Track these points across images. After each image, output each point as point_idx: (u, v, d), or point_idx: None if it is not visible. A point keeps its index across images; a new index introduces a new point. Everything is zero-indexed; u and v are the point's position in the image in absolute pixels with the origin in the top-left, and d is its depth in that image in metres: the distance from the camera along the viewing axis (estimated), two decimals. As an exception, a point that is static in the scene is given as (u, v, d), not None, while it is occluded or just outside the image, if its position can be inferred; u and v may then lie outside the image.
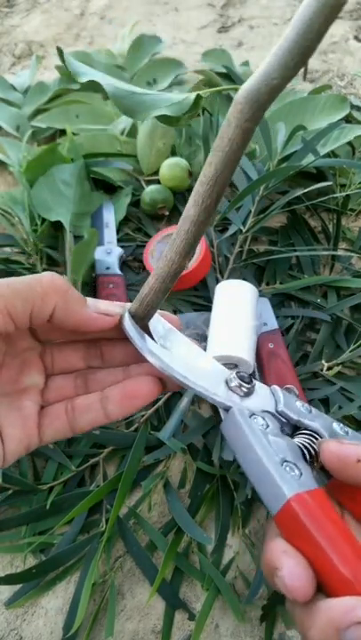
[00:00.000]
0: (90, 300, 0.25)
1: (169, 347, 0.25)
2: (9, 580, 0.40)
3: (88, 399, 0.25)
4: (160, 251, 0.60)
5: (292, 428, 0.25)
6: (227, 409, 0.24)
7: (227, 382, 0.25)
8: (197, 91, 0.78)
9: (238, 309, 0.48)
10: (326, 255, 0.61)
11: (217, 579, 0.40)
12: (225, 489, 0.44)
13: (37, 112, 0.78)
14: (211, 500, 0.44)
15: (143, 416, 0.47)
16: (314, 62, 0.93)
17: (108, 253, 0.59)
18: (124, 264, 0.60)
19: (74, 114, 0.74)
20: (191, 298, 0.56)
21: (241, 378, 0.25)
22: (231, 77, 0.76)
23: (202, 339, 0.51)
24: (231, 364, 0.46)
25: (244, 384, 0.25)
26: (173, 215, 0.65)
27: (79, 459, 0.45)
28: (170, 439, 0.45)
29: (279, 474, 0.20)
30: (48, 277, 0.23)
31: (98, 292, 0.56)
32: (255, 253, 0.61)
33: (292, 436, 0.24)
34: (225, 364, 0.46)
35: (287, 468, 0.20)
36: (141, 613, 0.40)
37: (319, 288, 0.58)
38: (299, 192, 0.59)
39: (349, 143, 0.70)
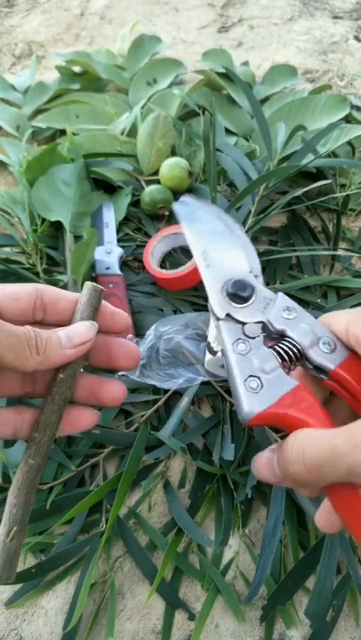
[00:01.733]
0: (61, 333, 0.25)
1: None
2: (9, 579, 0.40)
3: (36, 415, 0.26)
4: (160, 251, 0.60)
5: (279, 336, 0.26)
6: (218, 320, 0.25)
7: (226, 290, 0.26)
8: (197, 90, 0.78)
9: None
10: (326, 255, 0.61)
11: (217, 579, 0.40)
12: (225, 489, 0.44)
13: (37, 112, 0.79)
14: (211, 499, 0.44)
15: (143, 416, 0.47)
16: (314, 62, 0.93)
17: (108, 253, 0.59)
18: (124, 264, 0.60)
19: (74, 114, 0.74)
20: (191, 298, 0.56)
21: (241, 287, 0.26)
22: (231, 77, 0.76)
23: (202, 339, 0.51)
24: None
25: (242, 293, 0.26)
26: (173, 215, 0.65)
27: (79, 458, 0.45)
28: (170, 438, 0.45)
29: (243, 391, 0.23)
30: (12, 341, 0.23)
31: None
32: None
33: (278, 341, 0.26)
34: (224, 364, 0.46)
35: (251, 384, 0.24)
36: (141, 613, 0.40)
37: (319, 288, 0.58)
38: (299, 192, 0.59)
39: (349, 143, 0.71)
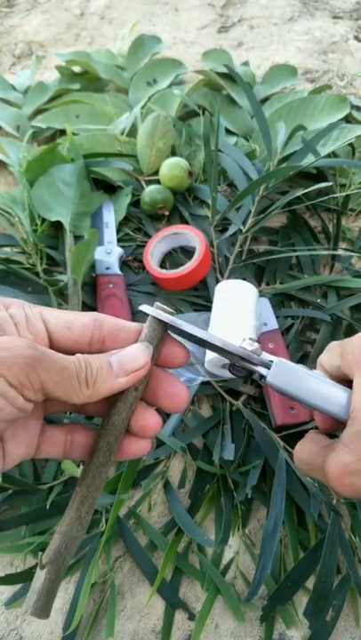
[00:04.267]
0: (113, 359, 0.23)
1: None
2: (9, 580, 0.40)
3: (87, 437, 0.25)
4: (160, 251, 0.60)
5: None
6: (268, 364, 0.26)
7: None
8: (197, 90, 0.78)
9: (238, 309, 0.48)
10: (326, 255, 0.61)
11: (217, 579, 0.40)
12: (225, 489, 0.44)
13: (37, 112, 0.78)
14: (211, 499, 0.44)
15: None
16: (314, 62, 0.93)
17: (108, 253, 0.59)
18: (124, 264, 0.60)
19: (74, 114, 0.74)
20: (191, 298, 0.56)
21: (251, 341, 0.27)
22: (231, 77, 0.76)
23: None
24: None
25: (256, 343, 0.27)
26: (173, 215, 0.65)
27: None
28: (170, 438, 0.45)
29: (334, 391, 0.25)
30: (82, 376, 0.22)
31: (98, 291, 0.56)
32: (255, 253, 0.61)
33: None
34: (225, 365, 0.46)
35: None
36: (141, 613, 0.40)
37: (319, 288, 0.58)
38: (299, 192, 0.59)
39: (349, 143, 0.70)
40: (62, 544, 0.23)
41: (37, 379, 0.20)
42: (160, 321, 0.24)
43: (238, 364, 0.25)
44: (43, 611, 0.23)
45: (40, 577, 0.23)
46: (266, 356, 0.26)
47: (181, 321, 0.24)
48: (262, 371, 0.25)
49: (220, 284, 0.51)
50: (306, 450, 0.27)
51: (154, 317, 0.24)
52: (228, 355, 0.25)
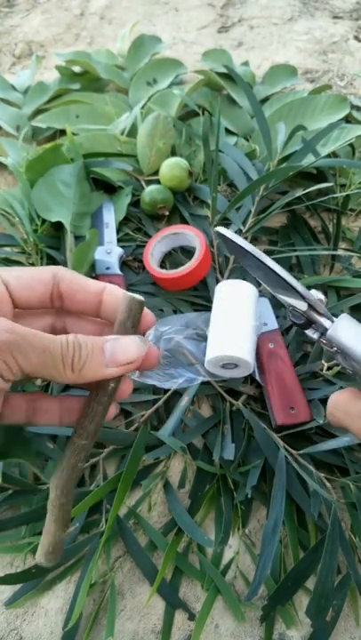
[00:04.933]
0: (108, 346, 0.22)
1: None
2: (9, 580, 0.40)
3: (49, 405, 0.25)
4: (160, 251, 0.60)
5: None
6: (331, 317, 0.25)
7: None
8: (197, 90, 0.78)
9: (238, 309, 0.48)
10: (326, 255, 0.61)
11: (217, 579, 0.40)
12: (225, 488, 0.44)
13: (37, 112, 0.79)
14: (211, 499, 0.44)
15: (143, 416, 0.47)
16: (314, 62, 0.93)
17: (109, 253, 0.59)
18: (124, 264, 0.60)
19: (74, 114, 0.74)
20: (191, 298, 0.56)
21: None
22: (231, 77, 0.76)
23: (202, 339, 0.51)
24: (231, 364, 0.46)
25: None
26: (173, 215, 0.65)
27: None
28: (170, 438, 0.45)
29: None
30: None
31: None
32: (255, 253, 0.61)
33: None
34: (225, 364, 0.46)
35: None
36: (141, 613, 0.40)
37: (319, 288, 0.58)
38: (299, 192, 0.59)
39: (349, 143, 0.70)
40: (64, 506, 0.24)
41: (15, 363, 0.20)
42: (138, 303, 0.23)
43: (302, 311, 0.24)
44: (56, 558, 0.23)
45: (57, 535, 0.23)
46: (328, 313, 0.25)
47: (253, 247, 0.24)
48: (325, 322, 0.24)
49: (220, 284, 0.51)
50: (345, 397, 0.26)
51: (130, 298, 0.23)
52: (295, 297, 0.24)
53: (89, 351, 0.22)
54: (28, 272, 0.23)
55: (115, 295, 0.24)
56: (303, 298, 0.24)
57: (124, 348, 0.22)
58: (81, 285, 0.24)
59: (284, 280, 0.24)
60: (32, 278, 0.23)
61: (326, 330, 0.24)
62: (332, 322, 0.24)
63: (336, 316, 0.25)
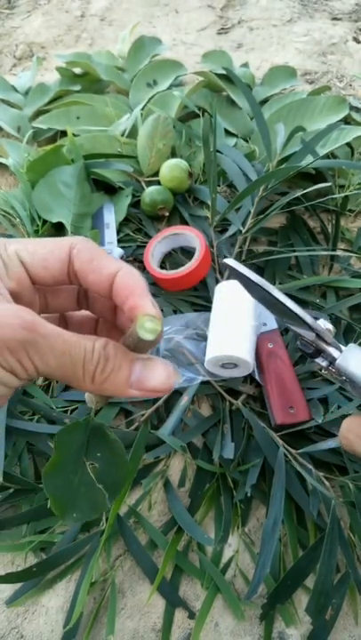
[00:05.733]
0: (137, 368, 0.20)
1: None
2: (10, 578, 0.40)
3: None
4: (160, 251, 0.60)
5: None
6: (340, 347, 0.25)
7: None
8: (197, 92, 0.78)
9: (238, 310, 0.48)
10: (325, 255, 0.61)
11: (217, 577, 0.40)
12: (225, 487, 0.44)
13: (38, 113, 0.79)
14: (210, 498, 0.44)
15: (143, 415, 0.47)
16: (313, 63, 0.94)
17: (109, 254, 0.59)
18: (124, 264, 0.61)
19: (75, 115, 0.74)
20: (191, 298, 0.57)
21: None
22: (231, 79, 0.76)
23: (202, 339, 0.51)
24: (231, 363, 0.46)
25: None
26: (173, 216, 0.65)
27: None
28: (170, 437, 0.45)
29: None
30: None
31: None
32: (255, 254, 0.61)
33: None
34: (224, 364, 0.47)
35: None
36: (142, 612, 0.40)
37: (318, 288, 0.58)
38: (298, 193, 0.59)
39: (348, 144, 0.71)
40: None
41: (30, 363, 0.18)
42: (146, 340, 0.20)
43: (311, 340, 0.25)
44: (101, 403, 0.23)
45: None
46: (336, 342, 0.25)
47: (264, 281, 0.24)
48: (333, 352, 0.25)
49: (219, 285, 0.51)
50: (359, 421, 0.25)
51: (138, 336, 0.20)
52: (303, 327, 0.25)
53: (115, 366, 0.19)
54: (45, 246, 0.21)
55: (126, 283, 0.21)
56: (311, 328, 0.24)
57: (155, 375, 0.20)
58: (93, 267, 0.21)
59: (291, 311, 0.24)
60: (48, 254, 0.21)
61: (335, 359, 0.24)
62: (341, 351, 0.24)
63: (345, 344, 0.25)
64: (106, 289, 0.21)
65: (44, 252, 0.21)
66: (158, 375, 0.20)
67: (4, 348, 0.18)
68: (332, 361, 0.25)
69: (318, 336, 0.25)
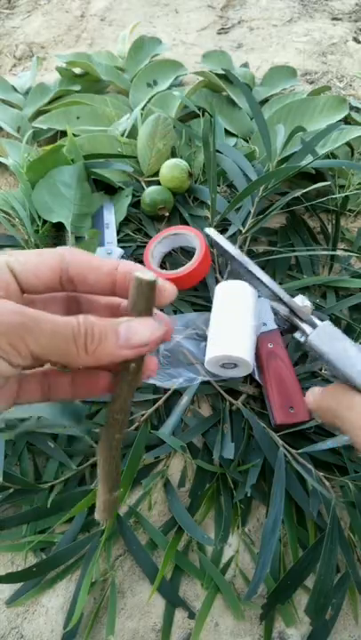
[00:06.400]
0: (123, 328, 0.21)
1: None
2: (10, 578, 0.40)
3: (62, 380, 0.25)
4: (160, 251, 0.60)
5: None
6: (315, 324, 0.26)
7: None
8: (197, 92, 0.78)
9: (238, 310, 0.48)
10: (325, 255, 0.61)
11: (217, 577, 0.40)
12: (225, 487, 0.44)
13: (38, 113, 0.79)
14: (210, 498, 0.44)
15: (143, 415, 0.47)
16: (313, 63, 0.94)
17: (109, 254, 0.59)
18: (124, 264, 0.61)
19: (75, 115, 0.74)
20: (191, 298, 0.57)
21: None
22: (231, 79, 0.76)
23: (202, 339, 0.51)
24: (231, 363, 0.46)
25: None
26: (173, 216, 0.65)
27: (80, 457, 0.46)
28: (170, 437, 0.45)
29: None
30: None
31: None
32: (255, 254, 0.61)
33: None
34: (224, 364, 0.47)
35: None
36: (142, 612, 0.40)
37: (318, 288, 0.58)
38: (298, 192, 0.59)
39: (348, 144, 0.71)
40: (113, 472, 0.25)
41: (24, 346, 0.19)
42: (147, 282, 0.21)
43: (286, 315, 0.26)
44: (111, 514, 0.26)
45: (109, 499, 0.26)
46: (313, 318, 0.26)
47: (238, 251, 0.25)
48: (307, 328, 0.25)
49: (219, 285, 0.51)
50: (330, 393, 0.26)
51: (138, 279, 0.21)
52: (280, 303, 0.25)
53: (102, 332, 0.21)
54: (34, 258, 0.22)
55: (128, 273, 0.22)
56: (285, 304, 0.25)
57: (138, 330, 0.22)
58: (92, 267, 0.23)
59: (267, 286, 0.25)
60: (39, 263, 0.22)
61: (307, 336, 0.25)
62: (315, 328, 0.25)
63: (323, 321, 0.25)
64: (108, 285, 0.23)
65: (36, 261, 0.22)
66: (142, 330, 0.22)
67: (0, 333, 0.19)
68: (306, 337, 0.25)
69: (293, 312, 0.25)
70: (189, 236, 0.58)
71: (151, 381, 0.48)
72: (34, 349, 0.20)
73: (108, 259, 0.61)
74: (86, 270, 0.22)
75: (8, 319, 0.19)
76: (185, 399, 0.47)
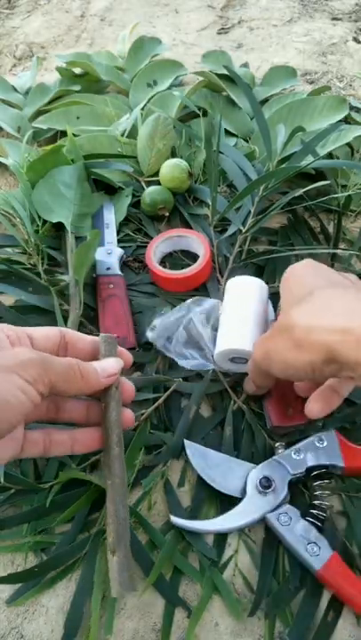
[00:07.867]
0: (96, 364, 0.32)
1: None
2: (10, 578, 0.40)
3: (62, 436, 0.33)
4: (161, 251, 0.60)
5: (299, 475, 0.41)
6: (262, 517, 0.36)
7: (256, 487, 0.40)
8: (197, 92, 0.78)
9: (248, 305, 0.48)
10: (326, 255, 0.61)
11: (216, 577, 0.40)
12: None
13: (38, 113, 0.79)
14: (210, 498, 0.44)
15: (143, 414, 0.47)
16: (313, 63, 0.94)
17: (109, 254, 0.59)
18: (124, 264, 0.61)
19: (75, 115, 0.74)
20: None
21: (263, 485, 0.40)
22: (231, 79, 0.76)
23: (214, 328, 0.50)
24: (241, 358, 0.46)
25: (264, 489, 0.40)
26: (173, 216, 0.65)
27: (80, 457, 0.46)
28: (170, 437, 0.45)
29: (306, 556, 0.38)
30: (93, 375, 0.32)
31: (98, 292, 0.56)
32: (255, 253, 0.61)
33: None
34: (234, 358, 0.46)
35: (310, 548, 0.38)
36: (141, 612, 0.40)
37: (318, 288, 0.58)
38: (298, 192, 0.59)
39: (348, 144, 0.71)
40: (117, 527, 0.31)
41: (46, 375, 0.28)
42: (110, 340, 0.35)
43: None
44: (129, 586, 0.30)
45: (114, 562, 0.30)
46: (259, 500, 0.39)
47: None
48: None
49: (230, 281, 0.50)
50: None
51: (105, 337, 0.35)
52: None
53: (86, 367, 0.31)
54: (42, 329, 0.32)
55: (98, 339, 0.35)
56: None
57: (108, 365, 0.33)
58: (79, 337, 0.34)
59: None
60: (47, 330, 0.32)
61: None
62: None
63: None
64: (90, 352, 0.34)
65: (44, 330, 0.33)
66: (110, 364, 0.33)
67: (30, 366, 0.27)
68: None
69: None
70: (193, 239, 0.58)
71: (169, 355, 0.50)
72: (52, 378, 0.28)
73: (108, 259, 0.61)
74: (76, 338, 0.34)
75: (33, 356, 0.28)
76: (193, 409, 0.47)
